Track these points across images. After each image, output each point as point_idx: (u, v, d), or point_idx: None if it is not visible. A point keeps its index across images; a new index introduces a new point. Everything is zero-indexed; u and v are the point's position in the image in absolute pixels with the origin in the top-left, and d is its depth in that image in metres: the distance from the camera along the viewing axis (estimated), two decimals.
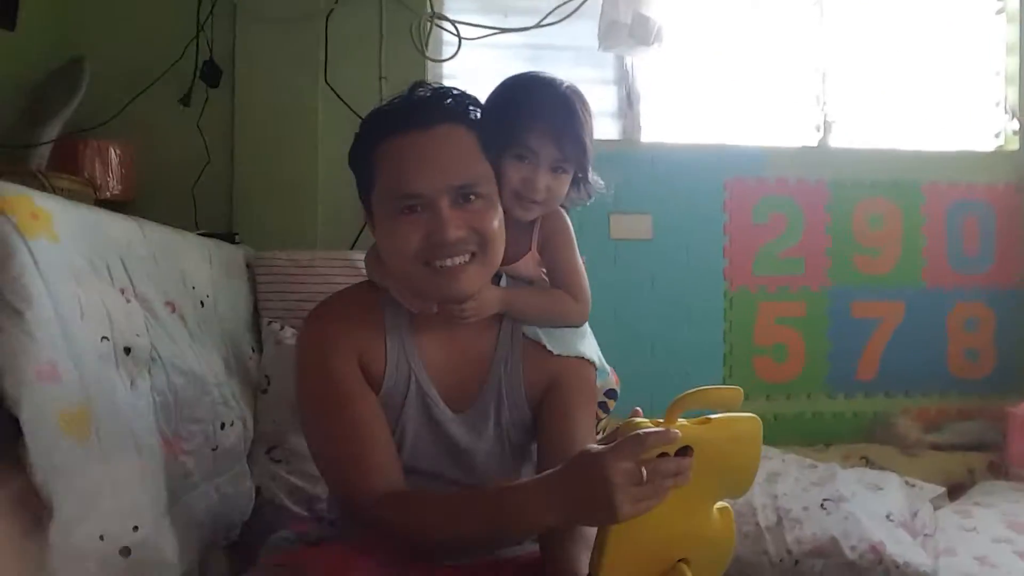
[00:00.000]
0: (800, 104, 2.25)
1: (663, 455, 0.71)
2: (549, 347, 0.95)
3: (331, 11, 1.93)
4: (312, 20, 1.93)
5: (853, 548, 1.39)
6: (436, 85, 0.91)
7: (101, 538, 0.80)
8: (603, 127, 2.19)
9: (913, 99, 2.26)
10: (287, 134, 1.93)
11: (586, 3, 2.00)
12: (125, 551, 0.83)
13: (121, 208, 1.77)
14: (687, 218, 2.12)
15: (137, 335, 1.01)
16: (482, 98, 0.93)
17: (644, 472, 0.68)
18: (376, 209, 0.88)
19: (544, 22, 1.98)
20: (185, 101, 1.83)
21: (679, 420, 0.75)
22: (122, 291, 1.01)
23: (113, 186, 1.74)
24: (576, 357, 0.97)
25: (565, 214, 1.03)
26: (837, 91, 2.24)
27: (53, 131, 1.65)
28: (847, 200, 2.17)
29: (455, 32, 1.98)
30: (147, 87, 1.78)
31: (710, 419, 0.77)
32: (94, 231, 0.99)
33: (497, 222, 0.87)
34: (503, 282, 0.97)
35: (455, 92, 0.89)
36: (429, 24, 1.96)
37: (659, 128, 2.20)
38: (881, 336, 2.19)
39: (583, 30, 2.06)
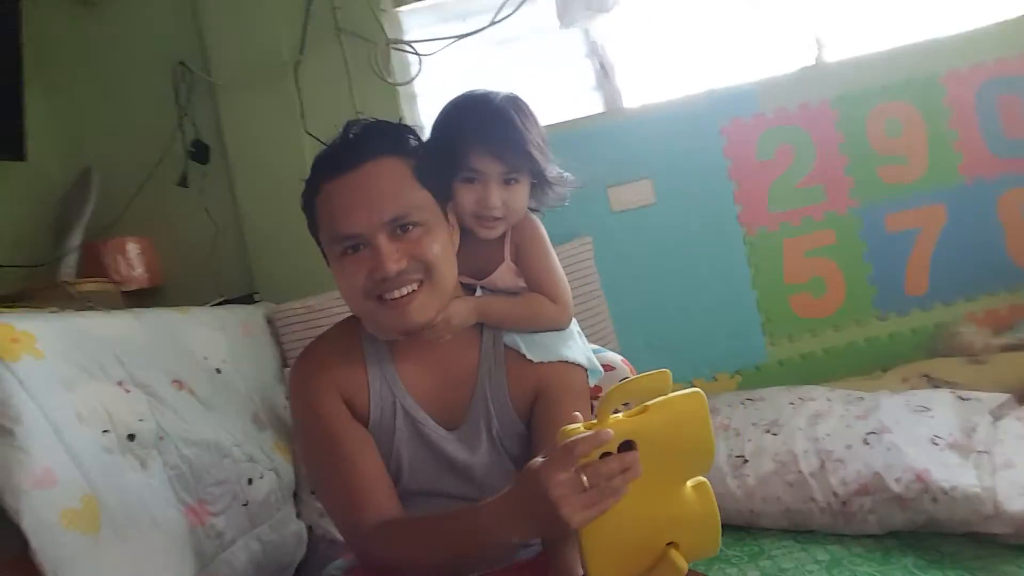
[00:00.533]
0: (784, 29, 2.12)
1: (607, 454, 0.72)
2: (528, 355, 0.96)
3: (298, 62, 2.01)
4: (283, 76, 2.02)
5: (898, 480, 1.32)
6: (367, 121, 0.92)
7: None
8: (585, 102, 2.16)
9: None
10: (283, 187, 2.01)
11: None
12: None
13: (150, 294, 1.94)
14: (688, 174, 2.05)
15: (140, 420, 1.11)
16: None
17: (585, 478, 0.69)
18: (326, 251, 0.91)
19: (497, 18, 1.97)
20: (183, 183, 1.97)
21: (614, 416, 0.74)
22: (119, 383, 1.12)
23: (139, 276, 1.90)
24: (559, 362, 0.96)
25: (535, 219, 1.02)
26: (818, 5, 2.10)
27: (76, 240, 1.82)
28: (856, 113, 2.04)
29: (413, 51, 2.01)
30: (145, 179, 1.93)
31: (647, 407, 0.76)
32: (82, 337, 1.10)
33: (438, 246, 0.88)
34: (477, 293, 0.99)
35: (385, 125, 0.92)
36: (388, 51, 2.00)
37: (641, 92, 2.14)
38: (924, 245, 2.05)
39: (540, 12, 2.05)
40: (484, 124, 0.93)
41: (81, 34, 2.01)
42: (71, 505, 0.90)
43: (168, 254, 1.98)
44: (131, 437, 1.08)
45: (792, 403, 1.74)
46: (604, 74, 2.13)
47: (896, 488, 1.32)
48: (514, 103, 0.96)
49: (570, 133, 2.04)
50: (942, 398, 1.56)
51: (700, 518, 0.78)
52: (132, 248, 1.89)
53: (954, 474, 1.28)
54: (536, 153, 0.94)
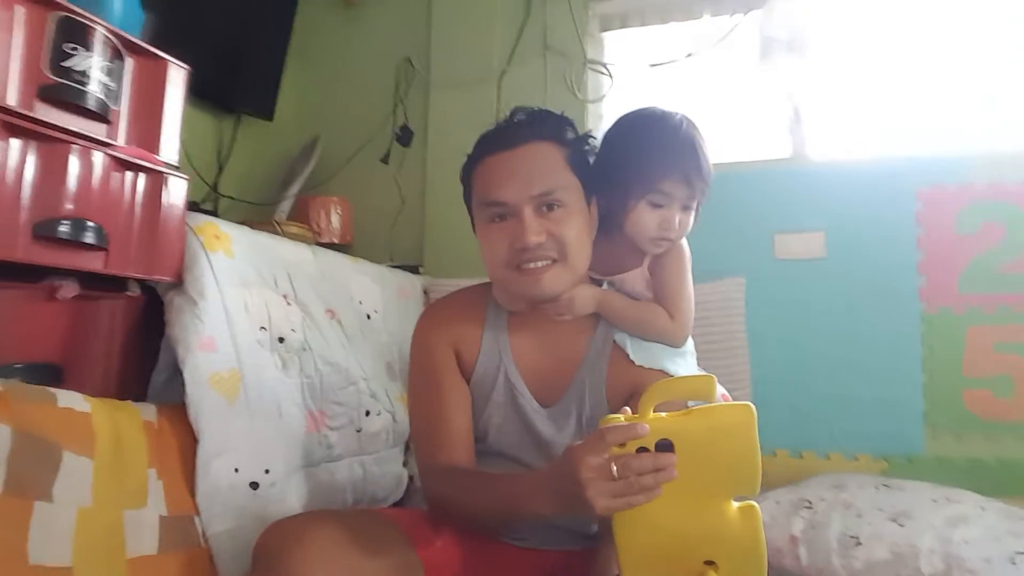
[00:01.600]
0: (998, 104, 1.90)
1: (643, 450, 0.74)
2: (632, 356, 0.99)
3: (503, 72, 2.22)
4: (488, 82, 2.23)
5: None
6: (532, 109, 1.02)
7: (236, 470, 1.08)
8: (770, 147, 2.11)
9: None
10: None
11: (744, 19, 1.99)
12: (254, 485, 1.10)
13: (339, 249, 2.23)
14: (869, 233, 1.91)
15: (292, 330, 1.32)
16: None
17: (614, 468, 0.72)
18: (475, 219, 1.02)
19: (694, 52, 2.02)
20: (385, 160, 2.25)
21: (656, 414, 0.76)
22: (284, 296, 1.34)
23: (333, 230, 2.20)
24: (659, 371, 0.98)
25: (681, 247, 1.05)
26: None
27: (293, 191, 2.17)
28: None
29: (607, 72, 2.12)
30: (356, 151, 2.24)
31: (691, 411, 0.77)
32: (267, 251, 1.33)
33: (575, 230, 0.95)
34: (603, 287, 1.04)
35: (547, 115, 1.01)
36: (584, 69, 2.13)
37: (834, 144, 2.04)
38: None
39: (739, 50, 2.05)
40: (678, 151, 0.96)
41: (337, 28, 2.41)
42: (220, 371, 1.10)
43: (360, 217, 2.27)
44: (281, 340, 1.28)
45: (935, 500, 1.55)
46: (796, 120, 2.07)
47: None
48: (696, 127, 1.00)
49: (746, 173, 2.02)
50: None
51: (743, 542, 0.75)
52: (333, 207, 2.20)
53: None
54: (710, 180, 0.99)
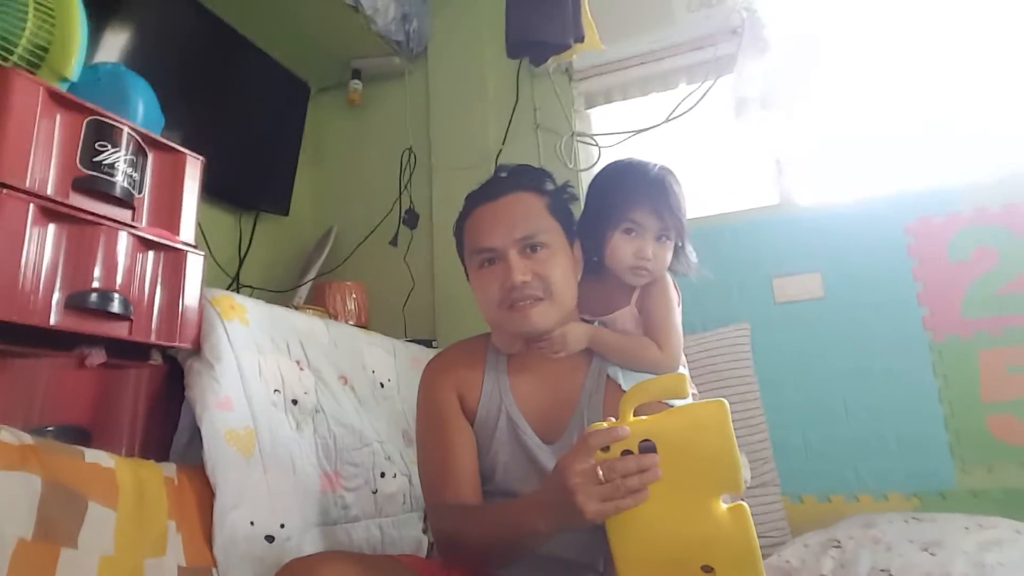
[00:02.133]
0: (985, 133, 1.99)
1: (628, 453, 0.77)
2: (624, 387, 1.03)
3: (499, 151, 2.37)
4: (486, 161, 2.37)
5: None
6: (514, 165, 1.13)
7: (252, 523, 1.12)
8: (757, 198, 2.20)
9: None
10: None
11: (715, 86, 2.14)
12: (269, 538, 1.14)
13: None
14: (864, 271, 1.96)
15: (305, 393, 1.38)
16: None
17: (600, 472, 0.76)
18: (468, 268, 1.09)
19: (672, 116, 2.16)
20: (393, 242, 2.38)
21: (636, 418, 0.80)
22: (297, 362, 1.41)
23: (350, 312, 2.30)
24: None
25: (668, 275, 1.13)
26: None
27: (310, 277, 2.29)
28: None
29: (595, 143, 2.26)
30: (366, 237, 2.38)
31: (669, 411, 0.81)
32: (279, 322, 1.42)
33: (560, 270, 1.02)
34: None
35: (527, 169, 1.12)
36: (572, 142, 2.28)
37: (820, 189, 2.12)
38: None
39: (718, 109, 2.19)
40: (648, 185, 1.07)
41: (344, 127, 2.62)
42: (235, 428, 1.16)
43: (375, 299, 2.37)
44: (295, 402, 1.35)
45: (967, 528, 1.50)
46: (779, 170, 2.16)
47: None
48: (671, 174, 1.11)
49: (739, 223, 2.10)
50: None
51: (735, 542, 0.76)
52: (348, 292, 2.31)
53: None
54: (684, 220, 1.09)
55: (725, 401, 0.78)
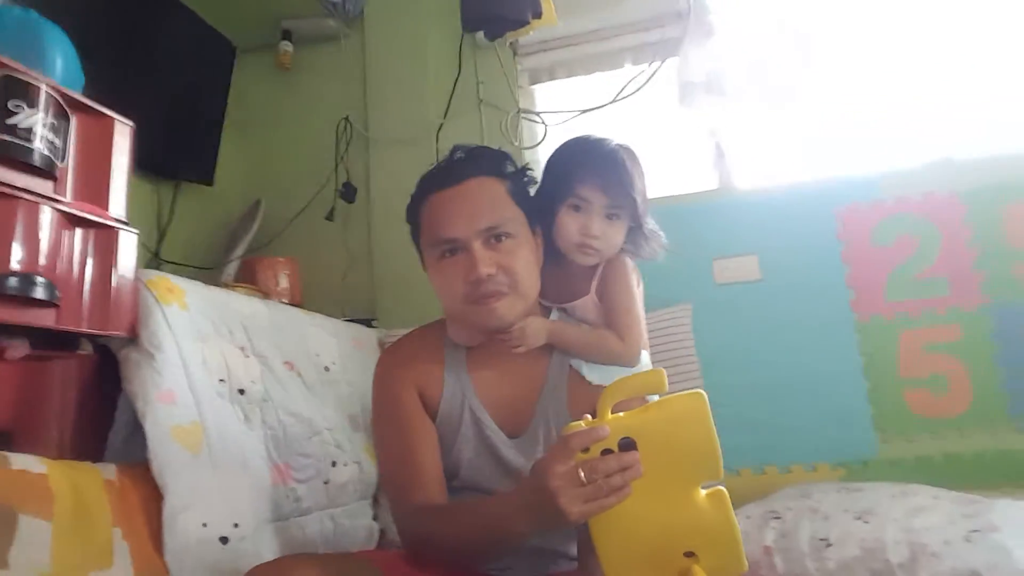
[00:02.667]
0: (911, 121, 2.11)
1: (608, 452, 0.75)
2: (588, 378, 1.02)
3: (440, 125, 2.29)
4: (427, 136, 2.29)
5: None
6: (471, 147, 1.06)
7: (204, 525, 1.03)
8: (698, 180, 2.24)
9: None
10: None
11: (661, 68, 2.14)
12: (224, 539, 1.06)
13: None
14: (797, 254, 2.03)
15: (252, 381, 1.29)
16: None
17: (582, 473, 0.73)
18: (425, 256, 1.03)
19: (619, 96, 2.15)
20: (330, 217, 2.27)
21: (615, 415, 0.78)
22: (241, 348, 1.31)
23: (283, 290, 2.17)
24: None
25: (627, 260, 1.08)
26: (951, 103, 2.07)
27: (238, 253, 2.14)
28: (989, 208, 1.94)
29: (541, 121, 2.22)
30: (301, 211, 2.25)
31: (647, 406, 0.80)
32: (220, 305, 1.31)
33: (524, 260, 0.98)
34: (553, 316, 1.07)
35: (486, 151, 1.06)
36: (518, 119, 2.23)
37: (757, 174, 2.19)
38: None
39: (663, 94, 2.20)
40: (597, 159, 1.02)
41: (273, 92, 2.45)
42: (181, 423, 1.07)
43: (309, 276, 2.25)
44: (241, 391, 1.25)
45: (893, 495, 1.61)
46: (719, 155, 2.21)
47: None
48: (627, 151, 1.06)
49: (681, 206, 2.12)
50: None
51: (716, 526, 0.77)
52: (281, 267, 2.18)
53: None
54: (638, 199, 1.03)
55: (703, 392, 0.77)
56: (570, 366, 1.03)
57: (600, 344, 1.03)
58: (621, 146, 1.06)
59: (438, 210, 0.99)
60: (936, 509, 1.50)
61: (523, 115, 2.23)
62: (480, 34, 1.92)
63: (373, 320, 2.15)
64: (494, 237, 0.96)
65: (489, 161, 1.02)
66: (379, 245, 2.28)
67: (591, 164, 1.02)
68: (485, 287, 0.94)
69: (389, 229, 2.27)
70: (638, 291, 1.10)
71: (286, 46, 2.34)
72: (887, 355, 1.95)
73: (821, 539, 1.49)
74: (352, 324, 1.92)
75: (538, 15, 1.65)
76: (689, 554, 0.77)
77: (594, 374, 1.02)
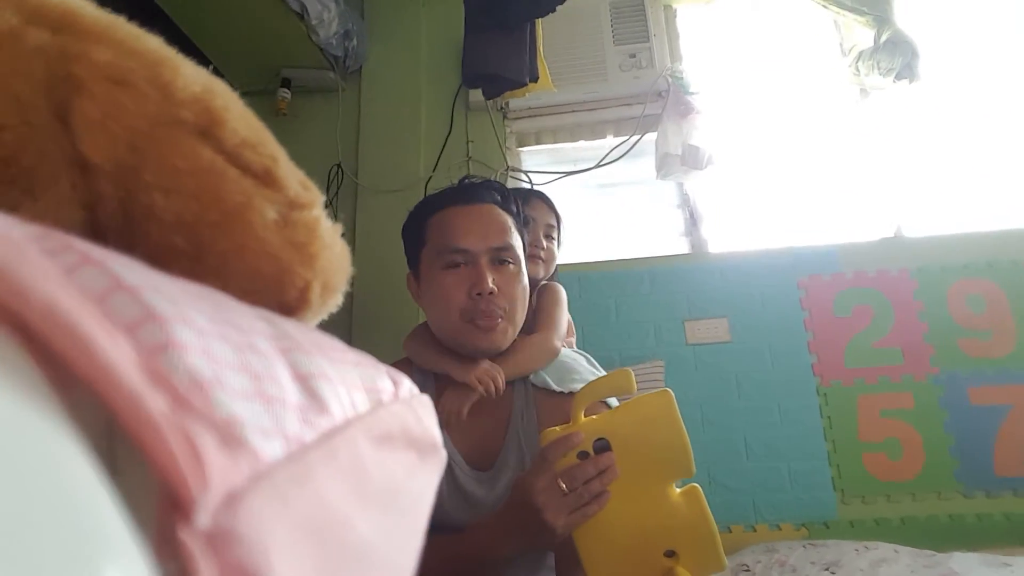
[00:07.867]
0: (866, 199, 2.30)
1: (584, 455, 0.78)
2: (557, 387, 1.02)
3: (429, 178, 2.37)
4: (415, 187, 2.37)
5: None
6: (483, 178, 1.13)
7: None
8: (673, 246, 2.37)
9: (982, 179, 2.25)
10: (394, 279, 2.30)
11: (641, 140, 2.30)
12: None
13: None
14: (764, 318, 2.16)
15: None
16: None
17: (563, 484, 0.75)
18: (424, 269, 1.04)
19: (603, 162, 2.29)
20: None
21: (587, 419, 0.81)
22: None
23: None
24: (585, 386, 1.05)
25: (558, 285, 1.24)
26: (903, 184, 2.29)
27: None
28: (936, 284, 2.12)
29: (528, 180, 2.34)
30: None
31: (617, 407, 0.83)
32: None
33: (520, 290, 1.03)
34: None
35: (500, 184, 1.12)
36: (506, 177, 2.34)
37: (726, 241, 2.33)
38: (1015, 424, 1.99)
39: (641, 164, 2.35)
40: (536, 195, 1.35)
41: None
42: None
43: None
44: None
45: (856, 550, 1.67)
46: (692, 222, 2.35)
47: None
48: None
49: (656, 269, 2.23)
50: None
51: (692, 522, 0.78)
52: None
53: None
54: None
55: (670, 390, 0.80)
56: (534, 386, 1.04)
57: (536, 348, 1.08)
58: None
59: (453, 220, 1.02)
60: (898, 561, 1.56)
61: (511, 174, 2.34)
62: (478, 92, 2.03)
63: None
64: (499, 260, 1.00)
65: (500, 192, 1.09)
66: (360, 291, 2.30)
67: (534, 195, 1.31)
68: (487, 304, 0.97)
69: (370, 277, 2.30)
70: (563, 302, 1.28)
71: (284, 93, 2.42)
72: (847, 419, 2.05)
73: None
74: None
75: (535, 79, 1.78)
76: (670, 554, 0.78)
77: (562, 382, 1.03)
